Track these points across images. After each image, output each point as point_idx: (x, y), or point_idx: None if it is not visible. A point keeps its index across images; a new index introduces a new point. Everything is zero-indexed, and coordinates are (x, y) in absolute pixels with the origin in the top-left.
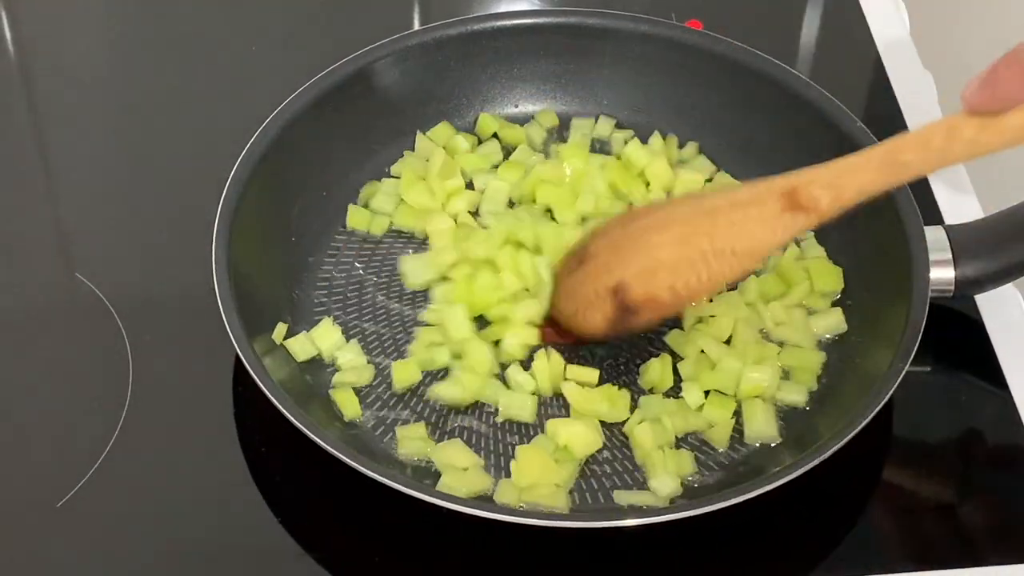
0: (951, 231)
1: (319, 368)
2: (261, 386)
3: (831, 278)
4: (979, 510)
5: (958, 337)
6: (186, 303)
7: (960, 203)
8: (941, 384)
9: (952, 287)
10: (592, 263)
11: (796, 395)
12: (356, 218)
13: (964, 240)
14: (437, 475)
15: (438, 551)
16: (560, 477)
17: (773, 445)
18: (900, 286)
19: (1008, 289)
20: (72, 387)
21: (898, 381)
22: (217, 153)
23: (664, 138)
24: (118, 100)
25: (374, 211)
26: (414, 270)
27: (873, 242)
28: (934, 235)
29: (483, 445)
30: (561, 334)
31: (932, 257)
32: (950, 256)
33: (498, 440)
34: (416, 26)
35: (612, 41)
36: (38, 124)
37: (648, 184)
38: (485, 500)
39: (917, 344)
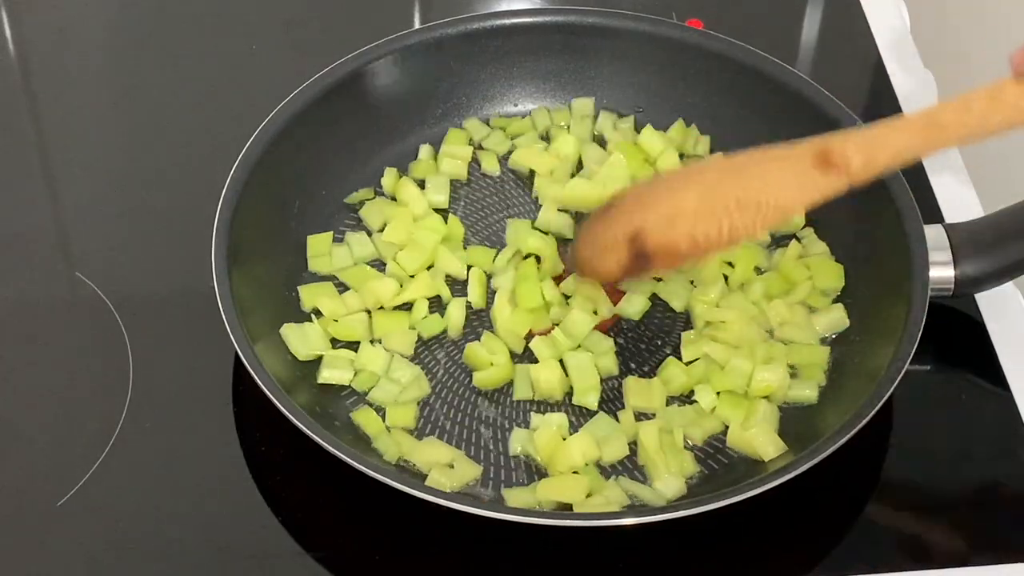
0: (951, 230)
1: (319, 369)
2: (261, 386)
3: (832, 276)
4: (979, 509)
5: (959, 336)
6: (187, 301)
7: (960, 202)
8: (941, 383)
9: (952, 286)
10: (614, 211)
11: (807, 390)
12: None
13: (964, 239)
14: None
15: (438, 549)
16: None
17: None
18: (900, 285)
19: (1008, 288)
20: (73, 386)
21: (898, 380)
22: (217, 152)
23: (687, 126)
24: (118, 100)
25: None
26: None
27: (873, 241)
28: (934, 234)
29: (458, 434)
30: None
31: (932, 256)
32: (950, 255)
33: (471, 430)
34: (416, 25)
35: (612, 40)
36: (38, 123)
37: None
38: (489, 500)
39: (917, 343)
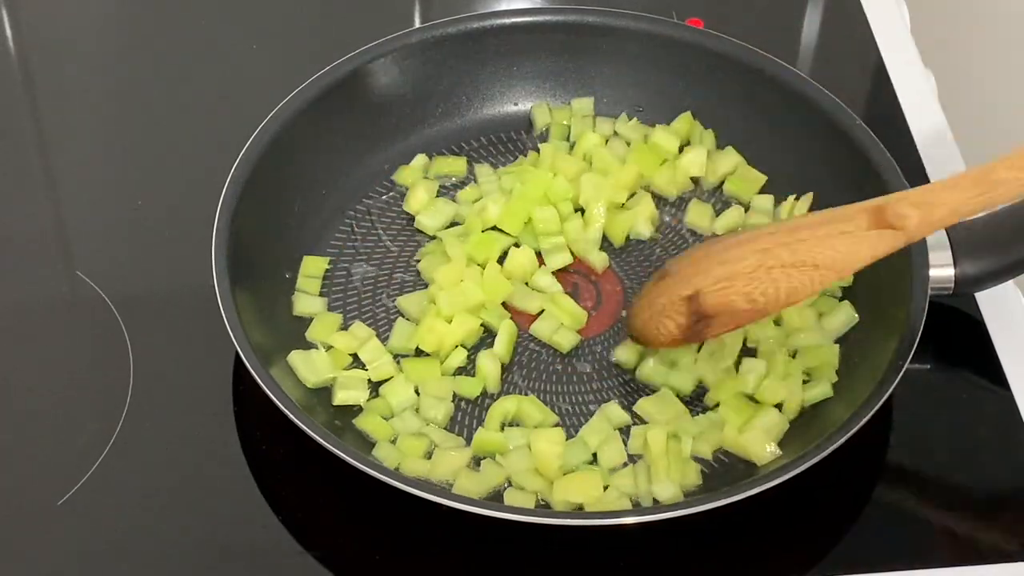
0: (951, 229)
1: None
2: (262, 385)
3: None
4: (979, 508)
5: (959, 336)
6: (187, 300)
7: None
8: (942, 383)
9: (952, 285)
10: (670, 277)
11: (821, 388)
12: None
13: (963, 238)
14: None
15: (437, 548)
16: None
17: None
18: (900, 285)
19: (1009, 288)
20: (73, 385)
21: (897, 379)
22: (218, 151)
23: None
24: (119, 98)
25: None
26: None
27: None
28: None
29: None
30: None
31: (931, 255)
32: (950, 254)
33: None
34: (417, 24)
35: (612, 39)
36: (39, 121)
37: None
38: (489, 499)
39: (916, 343)
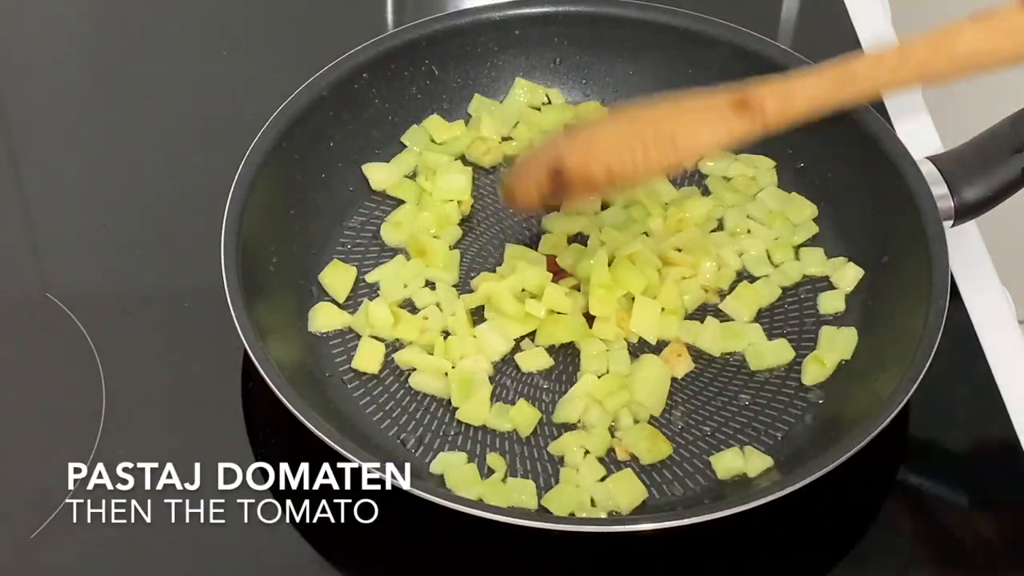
0: (937, 161)
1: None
2: (271, 383)
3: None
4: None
5: (952, 347)
6: (160, 325)
7: (922, 139)
8: (935, 392)
9: (952, 217)
10: (543, 146)
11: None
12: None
13: (954, 168)
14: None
15: (443, 550)
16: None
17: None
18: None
19: (1000, 300)
20: (43, 413)
21: (913, 390)
22: (193, 171)
23: None
24: (94, 117)
25: None
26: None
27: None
28: (925, 168)
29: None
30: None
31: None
32: (945, 186)
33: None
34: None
35: (601, 27)
36: (10, 139)
37: None
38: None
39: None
